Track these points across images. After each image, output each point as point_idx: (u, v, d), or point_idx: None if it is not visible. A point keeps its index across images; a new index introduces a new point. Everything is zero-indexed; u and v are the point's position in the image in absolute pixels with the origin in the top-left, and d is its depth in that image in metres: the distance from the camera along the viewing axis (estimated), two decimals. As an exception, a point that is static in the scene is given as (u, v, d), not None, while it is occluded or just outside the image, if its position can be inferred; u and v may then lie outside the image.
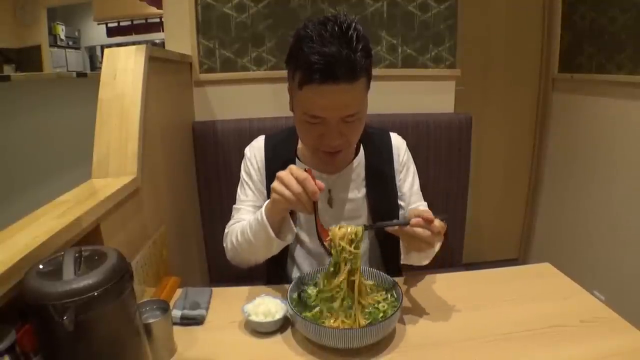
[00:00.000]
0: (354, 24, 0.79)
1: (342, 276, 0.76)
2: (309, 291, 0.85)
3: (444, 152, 1.51)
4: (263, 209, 0.85)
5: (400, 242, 0.87)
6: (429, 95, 1.62)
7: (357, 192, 1.02)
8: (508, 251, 2.67)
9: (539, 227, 2.56)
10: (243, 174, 1.06)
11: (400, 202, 1.05)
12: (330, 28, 0.78)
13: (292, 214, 1.01)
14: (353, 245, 0.76)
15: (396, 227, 0.79)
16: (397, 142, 1.08)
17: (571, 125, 2.23)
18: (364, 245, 1.04)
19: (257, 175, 1.03)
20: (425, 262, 0.93)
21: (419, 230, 0.74)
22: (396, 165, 1.05)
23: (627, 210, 1.89)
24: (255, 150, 1.05)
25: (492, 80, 2.38)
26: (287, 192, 0.75)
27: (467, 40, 2.01)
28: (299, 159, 1.03)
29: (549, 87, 2.35)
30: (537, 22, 2.31)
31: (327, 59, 0.76)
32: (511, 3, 2.28)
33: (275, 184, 0.77)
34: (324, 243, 0.78)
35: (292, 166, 0.77)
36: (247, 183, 1.04)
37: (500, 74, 2.37)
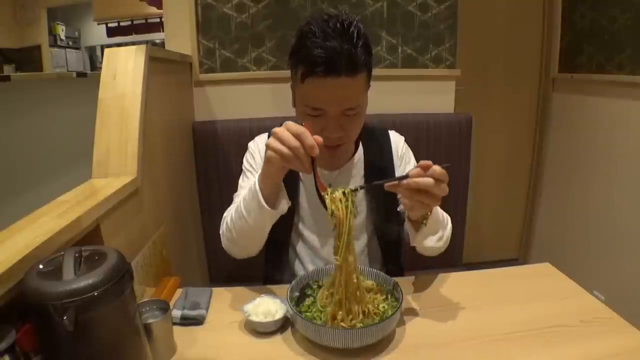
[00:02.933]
0: (355, 22, 0.82)
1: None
2: (314, 287, 0.85)
3: (444, 152, 1.51)
4: (256, 177, 0.82)
5: (407, 221, 0.86)
6: (429, 95, 1.62)
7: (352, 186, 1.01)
8: (508, 251, 2.67)
9: (539, 227, 2.56)
10: (245, 163, 1.04)
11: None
12: (333, 24, 0.81)
13: (293, 214, 1.02)
14: (345, 205, 0.73)
15: (395, 183, 0.74)
16: (396, 138, 1.09)
17: (571, 125, 2.23)
18: (362, 244, 1.04)
19: (261, 161, 1.00)
20: (439, 244, 0.90)
21: (420, 179, 0.70)
22: (395, 160, 1.06)
23: (627, 210, 1.89)
24: (259, 144, 1.05)
25: (492, 80, 2.38)
26: (283, 148, 0.72)
27: (467, 40, 2.01)
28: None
29: (549, 87, 2.35)
30: (537, 22, 2.31)
31: (329, 52, 0.79)
32: (511, 3, 2.28)
33: (271, 141, 0.73)
34: (324, 201, 0.75)
35: (288, 122, 0.74)
36: (249, 170, 1.03)
37: (500, 74, 2.37)
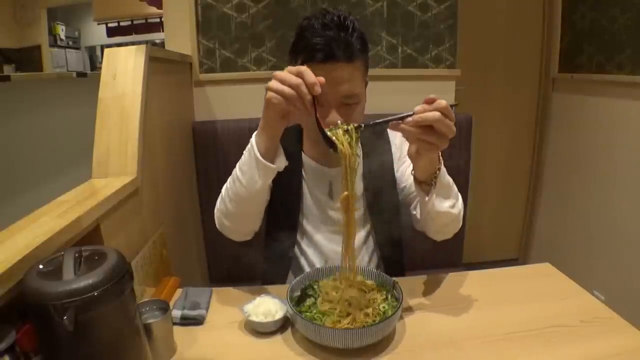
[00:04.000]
0: (350, 17, 0.88)
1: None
2: (315, 287, 0.86)
3: (444, 152, 1.50)
4: (253, 135, 0.81)
5: (417, 189, 0.84)
6: (429, 95, 1.62)
7: (357, 185, 1.01)
8: (508, 251, 2.67)
9: (539, 227, 2.56)
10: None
11: (402, 185, 1.03)
12: (330, 18, 0.86)
13: (298, 213, 1.02)
14: (349, 142, 0.74)
15: (399, 122, 0.72)
16: (393, 134, 1.09)
17: (571, 125, 2.23)
18: (359, 240, 1.03)
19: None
20: (453, 211, 0.87)
21: (425, 113, 0.68)
22: (394, 151, 1.06)
23: (627, 210, 1.89)
24: None
25: (492, 80, 2.38)
26: (285, 87, 0.70)
27: (467, 40, 2.01)
28: (303, 152, 1.04)
29: (549, 87, 2.35)
30: (537, 22, 2.31)
31: (326, 39, 0.84)
32: (511, 3, 2.28)
33: (271, 82, 0.72)
34: (327, 135, 0.74)
35: (289, 67, 0.73)
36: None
37: (500, 74, 2.37)
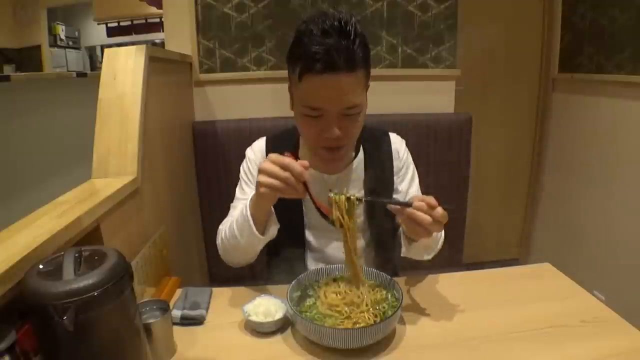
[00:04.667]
0: (352, 20, 0.81)
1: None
2: (315, 287, 0.86)
3: (444, 152, 1.51)
4: (247, 202, 0.85)
5: (401, 233, 0.88)
6: (429, 95, 1.62)
7: (357, 193, 1.01)
8: (508, 251, 2.67)
9: (539, 227, 2.56)
10: (242, 174, 1.05)
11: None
12: (330, 22, 0.80)
13: (298, 229, 1.02)
14: (347, 213, 0.79)
15: (398, 207, 0.78)
16: (397, 142, 1.08)
17: (571, 125, 2.22)
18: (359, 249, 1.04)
19: (256, 174, 1.02)
20: (427, 257, 0.93)
21: (420, 214, 0.73)
22: (396, 164, 1.05)
23: (627, 210, 1.89)
24: (257, 152, 1.05)
25: (492, 80, 2.38)
26: (274, 182, 0.74)
27: (467, 40, 2.01)
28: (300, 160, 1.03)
29: (549, 87, 2.35)
30: (537, 22, 2.31)
31: (326, 48, 0.78)
32: (511, 3, 2.28)
33: (261, 177, 0.76)
34: (327, 216, 0.80)
35: (271, 155, 0.77)
36: (245, 182, 1.04)
37: (500, 74, 2.37)
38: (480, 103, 2.34)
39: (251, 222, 0.83)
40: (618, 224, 1.94)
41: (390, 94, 1.54)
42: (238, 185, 1.06)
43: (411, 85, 1.61)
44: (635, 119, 1.82)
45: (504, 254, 2.64)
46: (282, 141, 1.05)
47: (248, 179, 1.04)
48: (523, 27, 2.31)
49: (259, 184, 0.77)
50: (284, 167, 0.74)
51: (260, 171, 0.76)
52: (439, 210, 0.74)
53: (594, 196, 2.08)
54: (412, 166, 1.08)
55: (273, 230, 0.87)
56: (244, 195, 1.03)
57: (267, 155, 1.02)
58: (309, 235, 1.03)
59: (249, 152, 1.07)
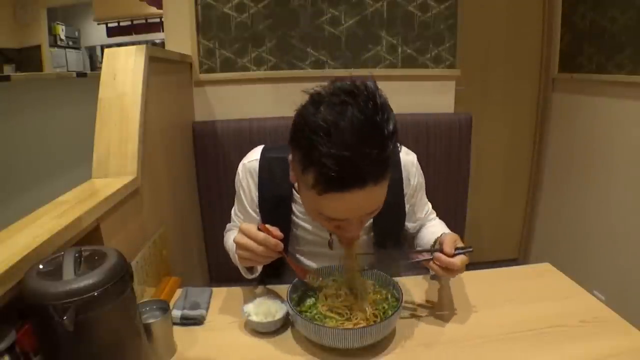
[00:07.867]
0: (378, 99, 0.66)
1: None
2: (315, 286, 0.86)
3: (444, 152, 1.51)
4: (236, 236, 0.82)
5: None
6: (429, 95, 1.62)
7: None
8: (508, 251, 2.67)
9: (539, 227, 2.56)
10: (237, 193, 1.03)
11: (408, 224, 1.06)
12: (350, 114, 0.63)
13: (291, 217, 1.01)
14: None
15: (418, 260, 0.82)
16: (407, 164, 1.00)
17: (571, 125, 2.22)
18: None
19: (250, 205, 1.01)
20: None
21: (437, 269, 0.78)
22: (406, 191, 0.99)
23: (627, 210, 1.89)
24: (249, 176, 0.99)
25: (492, 80, 2.37)
26: (252, 256, 0.76)
27: (467, 40, 2.01)
28: (296, 191, 0.95)
29: (549, 87, 2.35)
30: (537, 22, 2.31)
31: (352, 163, 0.62)
32: (511, 3, 2.28)
33: (238, 252, 0.78)
34: (305, 280, 0.84)
35: (242, 227, 0.76)
36: (239, 202, 1.03)
37: (500, 74, 2.37)
38: (480, 103, 2.35)
39: (240, 266, 0.88)
40: (618, 224, 1.94)
41: (390, 94, 1.50)
42: (235, 198, 1.05)
43: (411, 85, 1.61)
44: (635, 119, 1.82)
45: (504, 254, 2.64)
46: (277, 165, 0.95)
47: (239, 199, 1.04)
48: (523, 27, 2.31)
49: (237, 255, 0.79)
50: (259, 243, 0.74)
51: (237, 246, 0.77)
52: (458, 262, 0.76)
53: (594, 196, 2.08)
54: (423, 189, 1.06)
55: (258, 269, 0.90)
56: (236, 213, 1.07)
57: (259, 183, 0.98)
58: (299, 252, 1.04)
59: (240, 169, 1.01)
